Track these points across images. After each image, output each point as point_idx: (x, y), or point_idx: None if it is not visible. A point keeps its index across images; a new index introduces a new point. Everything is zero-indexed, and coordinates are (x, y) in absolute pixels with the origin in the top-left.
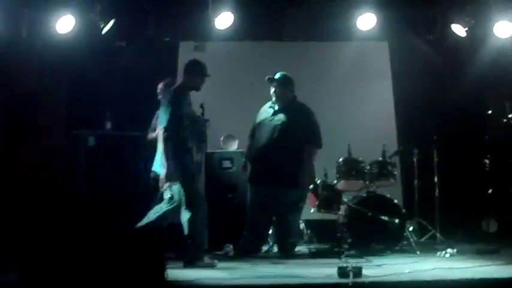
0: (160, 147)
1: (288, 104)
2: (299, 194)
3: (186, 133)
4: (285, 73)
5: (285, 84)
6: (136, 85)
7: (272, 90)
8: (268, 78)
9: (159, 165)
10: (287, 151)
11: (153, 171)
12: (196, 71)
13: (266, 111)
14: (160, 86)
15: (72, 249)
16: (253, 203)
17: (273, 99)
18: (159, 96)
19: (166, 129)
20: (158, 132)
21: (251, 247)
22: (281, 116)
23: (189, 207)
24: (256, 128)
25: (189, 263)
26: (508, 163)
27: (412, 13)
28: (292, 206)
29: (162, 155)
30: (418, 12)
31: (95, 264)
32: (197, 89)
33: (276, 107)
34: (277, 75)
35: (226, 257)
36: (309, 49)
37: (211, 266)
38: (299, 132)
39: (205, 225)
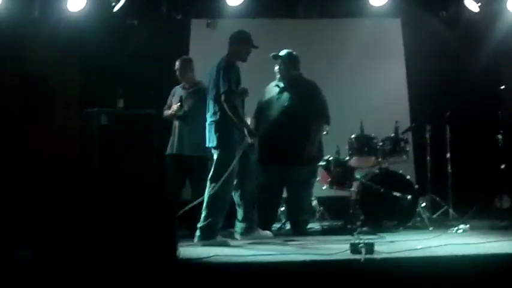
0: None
1: (294, 81)
2: (310, 170)
3: (238, 101)
4: (291, 50)
5: (290, 62)
6: (148, 63)
7: (276, 67)
8: (273, 55)
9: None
10: (295, 129)
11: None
12: (244, 41)
13: (271, 90)
14: (177, 63)
15: (84, 226)
16: (264, 182)
17: (278, 76)
18: (177, 73)
19: (224, 94)
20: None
21: (263, 225)
22: (287, 94)
23: (214, 180)
24: (262, 107)
25: (203, 239)
26: None
27: None
28: (304, 183)
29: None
30: None
31: (106, 241)
32: (244, 59)
33: (282, 85)
34: (282, 52)
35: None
36: (322, 26)
37: (224, 245)
38: (307, 109)
39: (226, 202)
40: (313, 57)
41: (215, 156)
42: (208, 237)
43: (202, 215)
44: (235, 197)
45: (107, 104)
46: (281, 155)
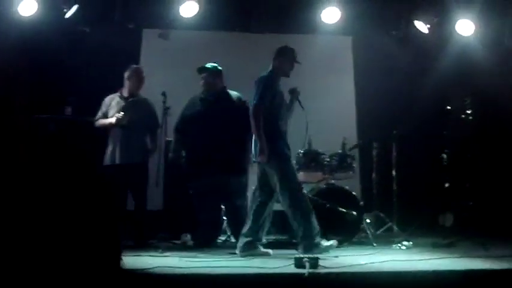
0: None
1: (221, 93)
2: (244, 179)
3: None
4: (216, 63)
5: (217, 74)
6: (99, 71)
7: (203, 81)
8: (198, 68)
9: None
10: (228, 140)
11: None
12: (287, 57)
13: (197, 103)
14: (126, 74)
15: (27, 234)
16: (200, 195)
17: (203, 90)
18: (130, 82)
19: (252, 107)
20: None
21: (208, 237)
22: (217, 106)
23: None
24: (188, 121)
25: (243, 251)
26: (465, 158)
27: (377, 8)
28: (240, 192)
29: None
30: (382, 7)
31: (49, 250)
32: (287, 75)
33: (209, 98)
34: (208, 65)
35: (184, 247)
36: (275, 41)
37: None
38: (237, 119)
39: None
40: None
41: (272, 171)
42: (311, 247)
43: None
44: (250, 210)
45: (55, 111)
46: (217, 167)
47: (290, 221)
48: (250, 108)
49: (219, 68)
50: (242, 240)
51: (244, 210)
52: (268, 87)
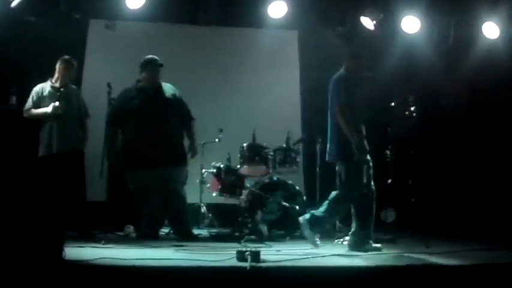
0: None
1: (160, 86)
2: (185, 171)
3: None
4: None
5: (160, 69)
6: (44, 61)
7: (144, 74)
8: (159, 63)
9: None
10: (172, 130)
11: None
12: (355, 58)
13: (134, 96)
14: (58, 64)
15: None
16: (145, 191)
17: (147, 82)
18: (61, 72)
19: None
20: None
21: (151, 229)
22: (159, 99)
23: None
24: (126, 114)
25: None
26: (408, 155)
27: (323, 4)
28: (182, 183)
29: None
30: (328, 3)
31: None
32: (358, 75)
33: (149, 91)
34: (158, 60)
35: (127, 239)
36: (221, 34)
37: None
38: (178, 110)
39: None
40: (211, 64)
41: (342, 168)
42: (357, 245)
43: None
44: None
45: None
46: (157, 159)
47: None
48: (337, 108)
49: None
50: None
51: (185, 201)
52: (345, 86)
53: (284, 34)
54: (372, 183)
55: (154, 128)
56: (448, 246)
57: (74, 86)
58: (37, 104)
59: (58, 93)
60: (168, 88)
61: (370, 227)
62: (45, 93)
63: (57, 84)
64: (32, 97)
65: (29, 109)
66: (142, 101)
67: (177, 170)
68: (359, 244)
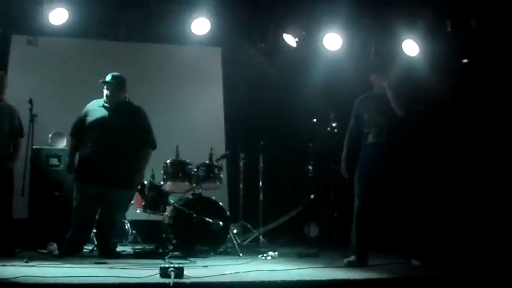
0: None
1: (123, 105)
2: (131, 194)
3: None
4: (119, 74)
5: (120, 86)
6: None
7: (106, 92)
8: (103, 81)
9: None
10: (124, 152)
11: None
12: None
13: (98, 110)
14: None
15: None
16: (82, 202)
17: (105, 99)
18: None
19: None
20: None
21: (76, 246)
22: (117, 117)
23: None
24: (86, 127)
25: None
26: (329, 170)
27: (245, 20)
28: (123, 205)
29: None
30: (251, 20)
31: None
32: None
33: (110, 108)
34: (111, 76)
35: (50, 256)
36: (144, 50)
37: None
38: (135, 133)
39: None
40: (133, 80)
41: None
42: None
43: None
44: None
45: None
46: (107, 176)
47: None
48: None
49: (121, 78)
50: None
51: (118, 225)
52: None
53: (207, 51)
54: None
55: (106, 145)
56: (370, 260)
57: (8, 103)
58: None
59: None
60: (133, 108)
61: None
62: None
63: None
64: None
65: None
66: (102, 115)
67: (118, 191)
68: None
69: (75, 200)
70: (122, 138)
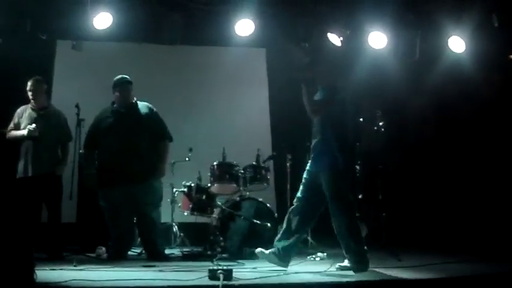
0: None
1: (133, 105)
2: (157, 188)
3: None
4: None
5: (131, 88)
6: (13, 82)
7: (122, 93)
8: (127, 80)
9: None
10: (140, 150)
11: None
12: None
13: (108, 117)
14: (29, 84)
15: None
16: (112, 210)
17: (119, 101)
18: (30, 94)
19: None
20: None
21: (120, 255)
22: (129, 119)
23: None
24: (100, 135)
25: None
26: (376, 170)
27: (289, 21)
28: (153, 203)
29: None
30: (295, 20)
31: None
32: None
33: (122, 110)
34: (126, 78)
35: (98, 260)
36: (188, 53)
37: None
38: (152, 129)
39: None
40: (179, 83)
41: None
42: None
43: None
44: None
45: None
46: (126, 177)
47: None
48: None
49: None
50: None
51: (157, 222)
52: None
53: (252, 52)
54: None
55: (124, 146)
56: (420, 260)
57: (56, 109)
58: (18, 126)
59: (36, 115)
60: (142, 106)
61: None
62: (25, 114)
63: (36, 106)
64: (14, 119)
65: (9, 131)
66: (114, 120)
67: (146, 188)
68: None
69: (106, 210)
70: (137, 137)
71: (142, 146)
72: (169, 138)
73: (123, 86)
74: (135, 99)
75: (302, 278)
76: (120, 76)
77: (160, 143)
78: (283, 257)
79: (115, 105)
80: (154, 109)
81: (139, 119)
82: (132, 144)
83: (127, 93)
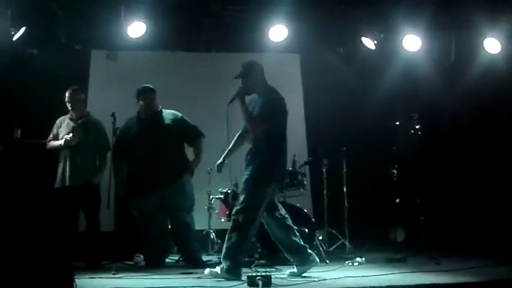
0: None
1: (159, 113)
2: (190, 195)
3: None
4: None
5: (155, 95)
6: (48, 93)
7: (146, 102)
8: (151, 89)
9: None
10: (170, 156)
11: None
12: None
13: (135, 126)
14: (67, 94)
15: None
16: (145, 218)
17: (143, 110)
18: (68, 104)
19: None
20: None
21: (158, 258)
22: (156, 126)
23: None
24: (128, 145)
25: None
26: (413, 173)
27: (323, 26)
28: (186, 209)
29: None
30: (328, 25)
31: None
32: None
33: (147, 118)
34: (149, 88)
35: (137, 267)
36: (222, 60)
37: None
38: (181, 136)
39: None
40: (213, 90)
41: None
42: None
43: None
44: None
45: (4, 133)
46: (157, 182)
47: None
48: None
49: None
50: None
51: (190, 227)
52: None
53: (286, 58)
54: None
55: (150, 155)
56: (459, 263)
57: (94, 118)
58: (56, 136)
59: (74, 125)
60: (167, 114)
61: None
62: (64, 124)
63: (74, 116)
64: (53, 129)
65: (49, 141)
66: (140, 129)
67: (175, 192)
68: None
69: (138, 218)
70: (163, 146)
71: (169, 154)
72: (202, 135)
73: (146, 95)
74: (160, 107)
75: (341, 283)
76: (143, 85)
77: (194, 142)
78: (305, 260)
79: (140, 115)
80: (180, 114)
81: (164, 127)
82: (157, 153)
83: (151, 102)
